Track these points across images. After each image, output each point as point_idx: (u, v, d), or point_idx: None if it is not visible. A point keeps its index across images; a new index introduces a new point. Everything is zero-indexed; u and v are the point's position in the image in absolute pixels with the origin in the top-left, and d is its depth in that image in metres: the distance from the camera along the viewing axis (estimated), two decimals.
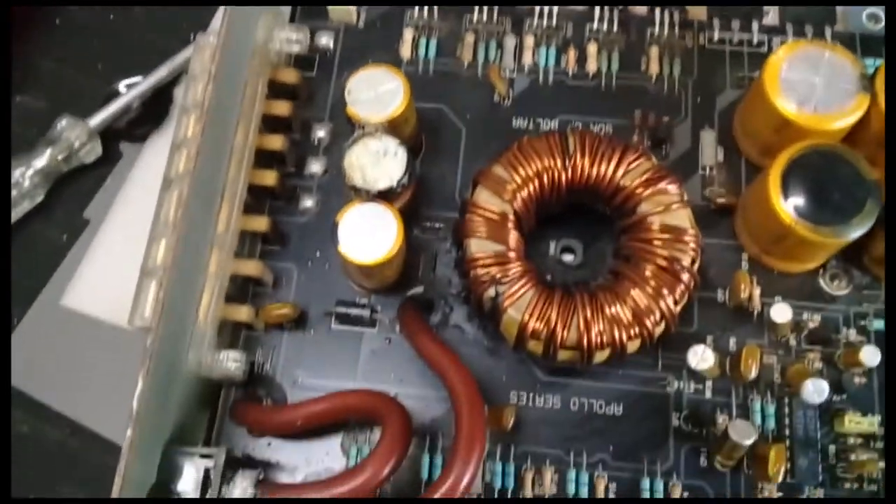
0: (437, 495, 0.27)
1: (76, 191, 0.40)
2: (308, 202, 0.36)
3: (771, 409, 0.33)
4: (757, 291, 0.34)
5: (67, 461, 0.35)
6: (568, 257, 0.35)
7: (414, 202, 0.34)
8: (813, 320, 0.34)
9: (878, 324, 0.34)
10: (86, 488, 0.35)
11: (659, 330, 0.31)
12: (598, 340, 0.30)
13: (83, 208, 0.40)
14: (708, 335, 0.34)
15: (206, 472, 0.28)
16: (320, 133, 0.38)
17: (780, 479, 0.31)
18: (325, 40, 0.38)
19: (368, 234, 0.31)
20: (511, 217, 0.32)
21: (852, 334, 0.34)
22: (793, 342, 0.34)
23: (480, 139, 0.37)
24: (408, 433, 0.29)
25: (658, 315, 0.31)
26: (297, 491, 0.28)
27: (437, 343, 0.31)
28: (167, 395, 0.29)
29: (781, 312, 0.33)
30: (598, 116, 0.37)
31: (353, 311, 0.34)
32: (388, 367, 0.34)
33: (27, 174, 0.38)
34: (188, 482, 0.28)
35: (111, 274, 0.38)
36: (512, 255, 0.32)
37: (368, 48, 0.39)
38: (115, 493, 0.26)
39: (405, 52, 0.39)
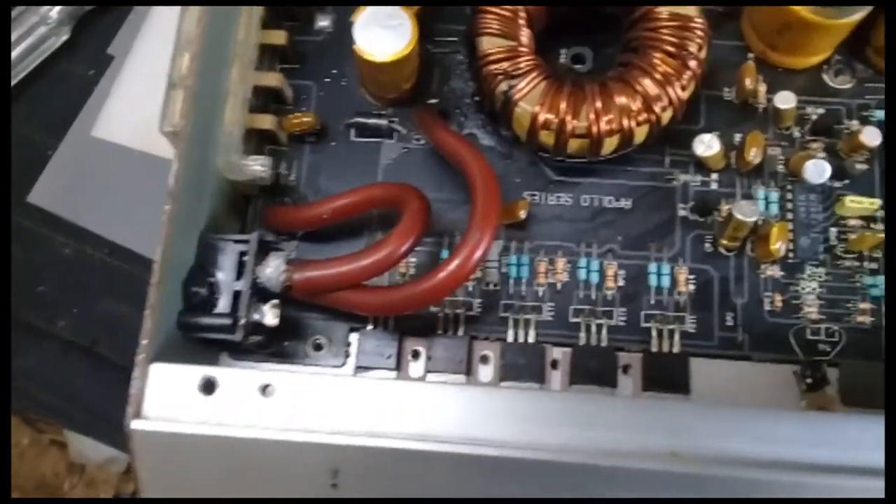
0: (455, 262, 0.28)
1: (100, 29, 0.41)
2: (324, 21, 0.37)
3: (774, 195, 0.34)
4: (763, 88, 0.35)
5: (109, 278, 0.38)
6: (578, 66, 0.36)
7: (427, 16, 0.35)
8: (817, 114, 0.35)
9: (880, 114, 0.35)
10: (126, 301, 0.37)
11: (666, 116, 0.32)
12: (608, 128, 0.32)
13: (107, 45, 0.41)
14: (714, 131, 0.35)
15: (241, 254, 0.30)
16: None
17: (781, 254, 0.32)
18: None
19: (384, 33, 0.32)
20: (522, 14, 0.33)
21: (854, 125, 0.35)
22: (797, 134, 0.35)
23: None
24: (426, 213, 0.30)
25: (666, 101, 0.32)
26: (325, 266, 0.30)
27: (453, 133, 0.33)
28: (199, 190, 0.31)
29: (785, 99, 0.34)
30: None
31: (371, 121, 0.35)
32: (407, 175, 0.35)
33: (52, 12, 0.40)
34: (224, 264, 0.30)
35: (137, 105, 0.40)
36: (523, 49, 0.33)
37: None
38: (155, 273, 0.28)
39: None
